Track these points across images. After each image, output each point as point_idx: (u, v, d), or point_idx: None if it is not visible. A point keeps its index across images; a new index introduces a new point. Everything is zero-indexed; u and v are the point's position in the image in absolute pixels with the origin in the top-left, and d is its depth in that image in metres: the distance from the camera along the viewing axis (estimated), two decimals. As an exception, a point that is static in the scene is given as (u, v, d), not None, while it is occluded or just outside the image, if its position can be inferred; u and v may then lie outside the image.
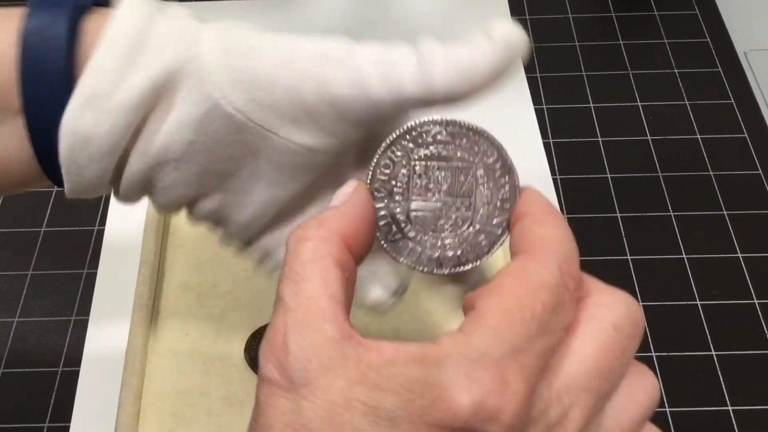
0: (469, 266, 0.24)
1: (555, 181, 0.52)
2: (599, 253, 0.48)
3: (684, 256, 0.49)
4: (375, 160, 0.24)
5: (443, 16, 0.63)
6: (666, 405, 0.43)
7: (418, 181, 0.24)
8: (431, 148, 0.23)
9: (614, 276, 0.48)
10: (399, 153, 0.24)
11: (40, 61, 0.24)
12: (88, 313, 0.46)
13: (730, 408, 0.42)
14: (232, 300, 0.45)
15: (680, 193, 0.52)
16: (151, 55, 0.24)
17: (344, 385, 0.18)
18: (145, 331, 0.43)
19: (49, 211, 0.52)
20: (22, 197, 0.53)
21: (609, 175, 0.53)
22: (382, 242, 0.24)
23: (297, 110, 0.24)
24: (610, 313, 0.20)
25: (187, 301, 0.45)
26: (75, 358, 0.45)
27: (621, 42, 0.62)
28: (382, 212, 0.24)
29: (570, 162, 0.54)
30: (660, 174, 0.53)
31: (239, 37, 0.25)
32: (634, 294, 0.47)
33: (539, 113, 0.56)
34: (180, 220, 0.49)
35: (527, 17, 0.63)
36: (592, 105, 0.57)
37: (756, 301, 0.47)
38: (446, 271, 0.24)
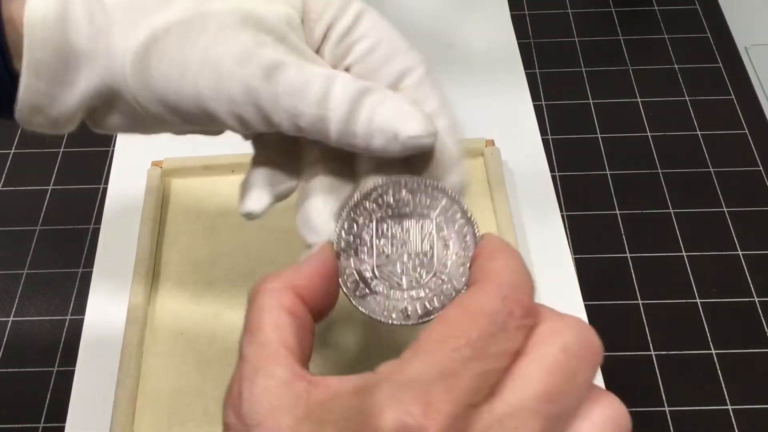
0: (435, 315, 0.25)
1: (554, 178, 0.52)
2: (598, 250, 0.48)
3: (684, 253, 0.48)
4: (339, 223, 0.25)
5: (441, 11, 0.62)
6: (665, 404, 0.42)
7: (382, 239, 0.25)
8: (392, 207, 0.25)
9: (613, 274, 0.48)
10: (362, 215, 0.25)
11: None
12: (83, 313, 0.46)
13: (729, 407, 0.42)
14: (228, 299, 0.45)
15: (680, 189, 0.52)
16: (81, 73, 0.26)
17: (291, 422, 0.19)
18: (141, 331, 0.43)
19: (44, 209, 0.52)
20: (19, 194, 0.52)
21: (608, 172, 0.53)
22: (351, 298, 0.25)
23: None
24: (560, 338, 0.20)
25: (183, 301, 0.45)
26: (70, 358, 0.44)
27: (621, 37, 0.61)
28: (349, 270, 0.25)
29: (569, 159, 0.53)
30: (660, 171, 0.53)
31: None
32: (633, 292, 0.47)
33: (538, 110, 0.56)
34: (177, 219, 0.48)
35: (526, 12, 0.63)
36: (591, 101, 0.57)
37: (756, 299, 0.46)
38: (414, 322, 0.25)
